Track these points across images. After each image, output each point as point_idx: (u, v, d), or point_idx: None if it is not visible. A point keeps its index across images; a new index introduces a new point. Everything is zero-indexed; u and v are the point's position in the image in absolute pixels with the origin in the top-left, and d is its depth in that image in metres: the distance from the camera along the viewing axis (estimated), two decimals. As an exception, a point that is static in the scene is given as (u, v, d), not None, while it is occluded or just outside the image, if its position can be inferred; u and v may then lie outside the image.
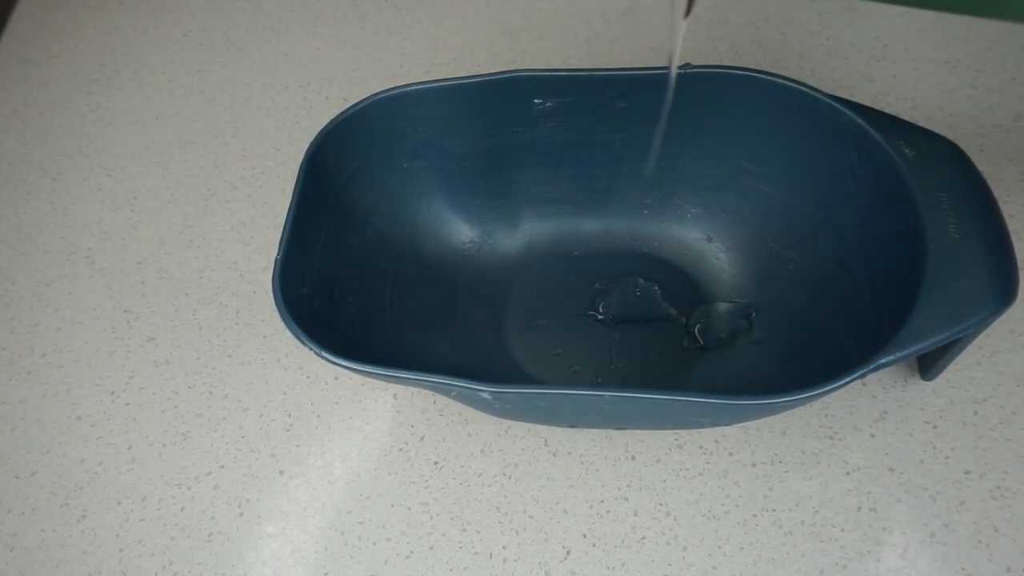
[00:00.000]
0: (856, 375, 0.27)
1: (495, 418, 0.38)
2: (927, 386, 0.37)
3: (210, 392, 0.41)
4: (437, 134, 0.38)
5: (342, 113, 0.36)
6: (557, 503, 0.36)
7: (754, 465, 0.36)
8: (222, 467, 0.38)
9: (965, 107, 0.46)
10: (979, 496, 0.34)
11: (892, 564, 0.33)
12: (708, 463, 0.36)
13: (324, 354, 0.29)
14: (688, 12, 0.25)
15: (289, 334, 0.32)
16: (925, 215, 0.30)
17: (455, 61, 0.53)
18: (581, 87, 0.36)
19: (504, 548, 0.35)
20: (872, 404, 0.37)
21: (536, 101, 0.37)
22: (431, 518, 0.36)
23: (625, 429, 0.37)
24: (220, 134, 0.52)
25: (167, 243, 0.47)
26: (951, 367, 0.36)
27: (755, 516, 0.34)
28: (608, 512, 0.35)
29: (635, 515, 0.35)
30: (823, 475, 0.35)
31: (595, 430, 0.37)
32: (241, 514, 0.37)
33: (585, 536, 0.35)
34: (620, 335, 0.39)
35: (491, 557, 0.35)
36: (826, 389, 0.27)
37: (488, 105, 0.37)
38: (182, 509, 0.37)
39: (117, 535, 0.37)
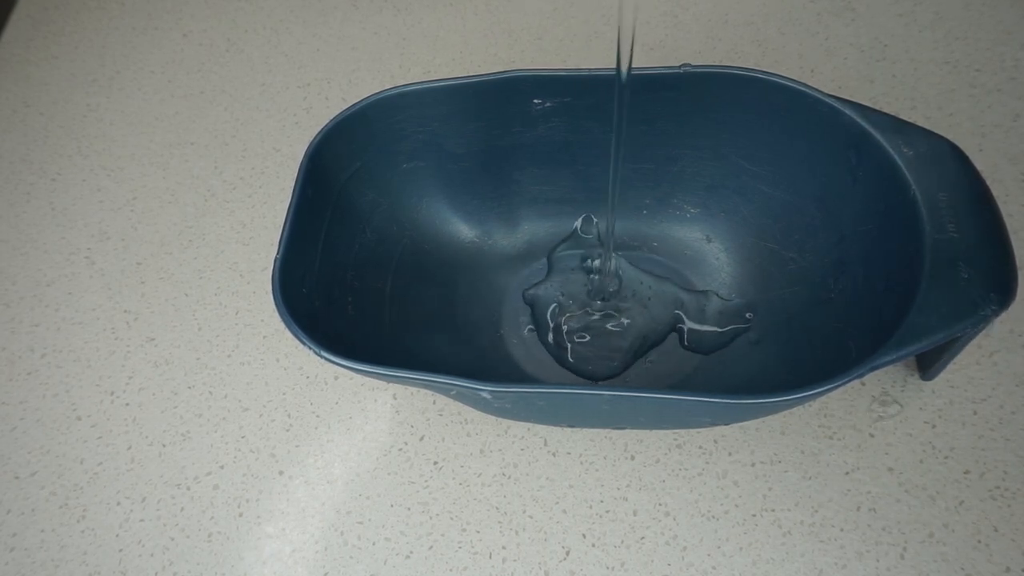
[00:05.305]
0: (855, 374, 0.27)
1: (494, 418, 0.38)
2: (926, 386, 0.37)
3: (210, 392, 0.41)
4: (437, 134, 0.38)
5: (342, 113, 0.36)
6: (556, 503, 0.36)
7: (753, 465, 0.36)
8: (222, 467, 0.38)
9: (964, 107, 0.46)
10: (979, 496, 0.34)
11: (891, 564, 0.33)
12: (707, 463, 0.36)
13: (324, 354, 0.29)
14: None
15: (289, 334, 0.32)
16: (924, 215, 0.30)
17: (454, 61, 0.53)
18: (581, 87, 0.36)
19: (503, 548, 0.35)
20: (871, 404, 0.37)
21: (536, 101, 0.37)
22: (431, 518, 0.36)
23: (624, 429, 0.37)
24: (220, 134, 0.52)
25: (167, 243, 0.47)
26: (950, 367, 0.36)
27: (754, 516, 0.34)
28: (607, 512, 0.35)
29: (634, 515, 0.35)
30: (822, 475, 0.35)
31: (594, 430, 0.37)
32: (241, 514, 0.37)
33: (584, 536, 0.35)
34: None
35: (490, 557, 0.35)
36: (825, 388, 0.27)
37: (488, 105, 0.37)
38: (182, 509, 0.37)
39: (117, 535, 0.37)
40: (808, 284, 0.36)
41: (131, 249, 0.47)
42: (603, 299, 0.40)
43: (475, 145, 0.39)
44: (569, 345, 0.39)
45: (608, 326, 0.39)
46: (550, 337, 0.39)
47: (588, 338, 0.39)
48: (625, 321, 0.39)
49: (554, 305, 0.40)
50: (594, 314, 0.39)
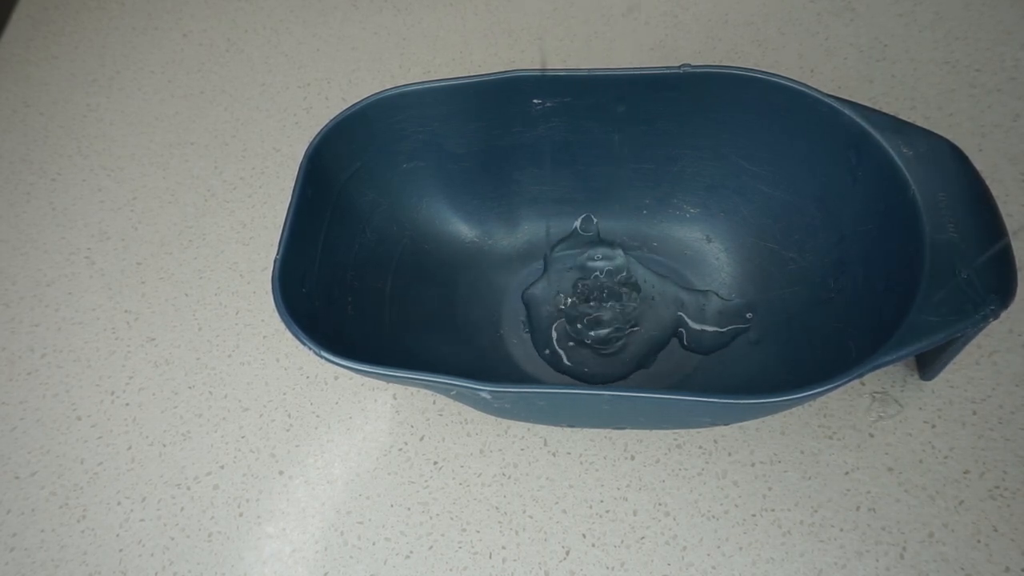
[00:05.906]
0: (855, 374, 0.27)
1: (494, 418, 0.38)
2: (926, 386, 0.37)
3: (210, 392, 0.41)
4: (437, 134, 0.38)
5: (342, 113, 0.36)
6: (556, 503, 0.36)
7: (753, 465, 0.36)
8: (222, 467, 0.38)
9: (964, 107, 0.46)
10: (978, 496, 0.34)
11: (891, 564, 0.33)
12: (707, 463, 0.36)
13: (324, 354, 0.29)
14: None
15: (289, 334, 0.32)
16: (924, 215, 0.30)
17: (454, 61, 0.53)
18: (581, 87, 0.36)
19: (503, 548, 0.35)
20: (871, 404, 0.37)
21: (536, 101, 0.37)
22: (431, 518, 0.36)
23: (624, 429, 0.37)
24: (220, 134, 0.52)
25: (167, 243, 0.47)
26: (950, 367, 0.36)
27: (754, 516, 0.34)
28: (607, 512, 0.35)
29: (634, 515, 0.35)
30: (822, 475, 0.35)
31: (594, 430, 0.37)
32: (241, 514, 0.37)
33: (584, 536, 0.35)
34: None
35: (490, 557, 0.35)
36: (825, 388, 0.27)
37: (488, 105, 0.37)
38: (182, 509, 0.37)
39: (117, 535, 0.37)
40: (808, 284, 0.36)
41: (131, 249, 0.47)
42: (607, 298, 0.40)
43: (475, 145, 0.39)
44: (562, 352, 0.39)
45: (615, 333, 0.39)
46: (545, 347, 0.39)
47: (589, 345, 0.39)
48: (630, 328, 0.39)
49: (550, 308, 0.40)
50: (599, 319, 0.39)
